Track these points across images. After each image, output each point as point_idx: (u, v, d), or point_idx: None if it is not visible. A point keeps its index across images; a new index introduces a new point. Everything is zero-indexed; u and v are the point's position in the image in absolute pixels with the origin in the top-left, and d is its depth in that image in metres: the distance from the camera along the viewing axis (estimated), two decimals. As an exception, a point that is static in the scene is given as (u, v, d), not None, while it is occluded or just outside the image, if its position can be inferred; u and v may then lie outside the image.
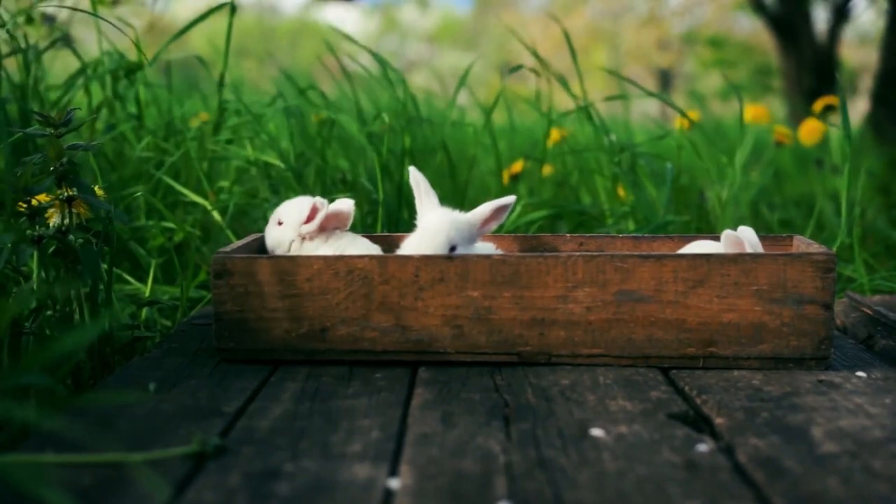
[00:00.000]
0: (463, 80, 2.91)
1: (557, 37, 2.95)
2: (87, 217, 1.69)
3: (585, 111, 2.85)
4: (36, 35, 2.72)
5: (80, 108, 1.93)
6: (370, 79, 2.90)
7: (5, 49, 2.49)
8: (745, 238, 1.67)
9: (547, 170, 3.20)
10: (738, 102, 2.84)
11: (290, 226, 1.82)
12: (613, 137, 2.87)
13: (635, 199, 2.75)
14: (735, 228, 1.67)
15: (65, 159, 1.62)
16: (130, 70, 2.67)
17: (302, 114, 2.86)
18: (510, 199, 1.76)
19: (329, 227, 1.84)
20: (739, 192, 3.26)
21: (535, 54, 2.81)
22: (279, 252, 1.83)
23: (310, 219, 1.80)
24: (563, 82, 2.84)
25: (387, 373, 1.58)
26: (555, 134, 3.20)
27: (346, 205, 1.85)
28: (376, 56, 2.79)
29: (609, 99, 3.26)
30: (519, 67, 2.89)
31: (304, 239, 1.82)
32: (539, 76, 2.86)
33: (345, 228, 1.87)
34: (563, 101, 3.16)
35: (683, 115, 2.84)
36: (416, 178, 1.81)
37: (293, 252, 1.80)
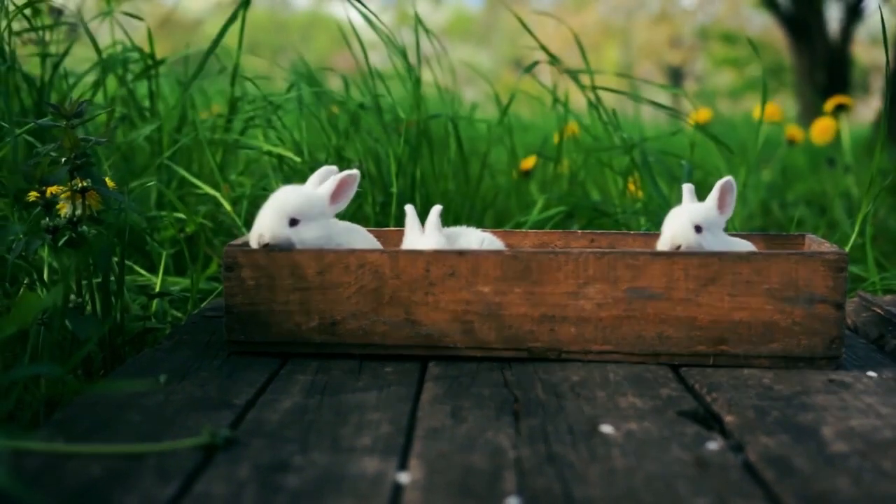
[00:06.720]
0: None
1: (569, 32, 2.93)
2: (98, 209, 1.69)
3: (595, 108, 2.84)
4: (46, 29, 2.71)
5: (88, 101, 1.93)
6: (384, 73, 2.89)
7: (19, 40, 2.49)
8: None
9: (563, 167, 3.19)
10: (748, 100, 2.83)
11: None
12: (624, 134, 2.86)
13: (647, 195, 2.74)
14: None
15: (79, 150, 1.62)
16: (150, 66, 2.68)
17: (316, 105, 2.85)
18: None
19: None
20: (750, 190, 3.25)
21: (547, 52, 2.80)
22: None
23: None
24: (574, 76, 2.82)
25: (397, 367, 1.58)
26: (568, 130, 3.19)
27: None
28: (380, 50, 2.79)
29: (618, 92, 3.24)
30: (534, 65, 2.87)
31: None
32: (557, 64, 2.84)
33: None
34: (576, 98, 3.15)
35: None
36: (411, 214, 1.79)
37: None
